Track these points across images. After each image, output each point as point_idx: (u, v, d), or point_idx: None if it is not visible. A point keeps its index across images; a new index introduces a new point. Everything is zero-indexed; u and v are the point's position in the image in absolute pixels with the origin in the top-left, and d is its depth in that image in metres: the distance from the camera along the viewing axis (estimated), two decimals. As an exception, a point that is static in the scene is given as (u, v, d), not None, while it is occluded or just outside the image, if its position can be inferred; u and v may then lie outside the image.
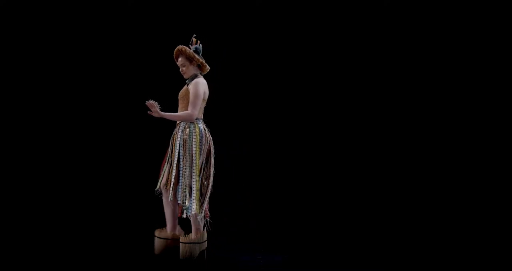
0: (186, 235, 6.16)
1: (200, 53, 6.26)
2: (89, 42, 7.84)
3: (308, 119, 7.94)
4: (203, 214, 6.11)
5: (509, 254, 6.86)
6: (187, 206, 6.00)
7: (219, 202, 7.88)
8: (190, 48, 6.22)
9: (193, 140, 6.06)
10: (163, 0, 7.94)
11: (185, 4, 7.94)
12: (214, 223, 7.79)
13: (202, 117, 6.20)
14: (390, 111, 7.84)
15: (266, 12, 7.95)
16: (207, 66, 6.28)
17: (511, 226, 7.36)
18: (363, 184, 7.80)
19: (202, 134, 6.08)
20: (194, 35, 6.26)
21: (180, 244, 6.11)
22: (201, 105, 6.14)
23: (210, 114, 8.01)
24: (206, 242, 6.20)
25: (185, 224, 6.30)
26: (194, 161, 6.04)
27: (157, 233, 6.21)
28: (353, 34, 7.89)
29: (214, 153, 6.23)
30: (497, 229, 7.36)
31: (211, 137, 6.20)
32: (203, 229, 6.16)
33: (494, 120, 7.63)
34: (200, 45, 6.27)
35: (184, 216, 6.09)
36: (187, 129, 6.06)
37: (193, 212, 5.99)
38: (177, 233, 6.20)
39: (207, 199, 6.09)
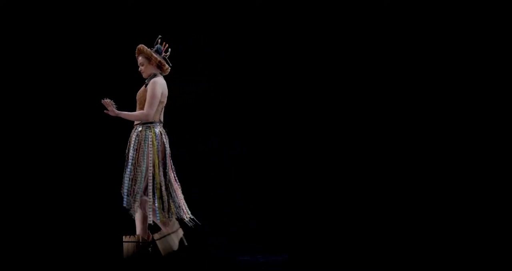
0: (158, 232, 6.08)
1: (162, 54, 6.14)
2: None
3: (308, 119, 7.93)
4: (171, 217, 5.99)
5: (509, 254, 6.86)
6: (149, 211, 5.94)
7: (219, 202, 7.89)
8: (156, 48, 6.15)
9: (148, 143, 5.95)
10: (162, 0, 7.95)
11: (184, 4, 7.94)
12: (214, 223, 7.81)
13: (161, 119, 6.08)
14: (390, 111, 7.83)
15: (266, 12, 7.94)
16: (167, 66, 6.15)
17: (511, 226, 7.36)
18: (363, 183, 7.79)
19: (157, 137, 5.98)
20: (160, 36, 6.19)
21: (156, 242, 6.02)
22: (159, 106, 6.02)
23: (210, 114, 8.03)
24: (180, 228, 6.07)
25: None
26: (150, 165, 5.95)
27: (126, 238, 6.11)
28: (353, 34, 7.88)
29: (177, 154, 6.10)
30: (497, 229, 7.35)
31: (167, 139, 6.07)
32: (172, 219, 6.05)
33: (494, 120, 7.63)
34: (166, 46, 6.17)
35: (152, 222, 5.98)
36: (143, 133, 5.97)
37: (157, 220, 5.92)
38: (146, 237, 6.11)
39: (172, 202, 5.98)
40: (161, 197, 5.88)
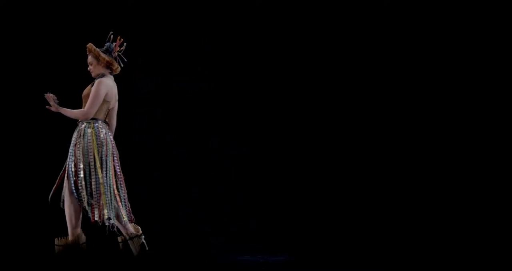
0: (121, 236, 6.04)
1: (114, 52, 6.08)
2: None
3: (308, 119, 7.93)
4: (121, 218, 5.96)
5: (509, 254, 6.86)
6: (90, 213, 5.91)
7: (219, 202, 7.89)
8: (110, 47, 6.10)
9: (87, 142, 5.90)
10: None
11: (184, 4, 7.94)
12: (214, 223, 7.81)
13: (103, 118, 5.97)
14: (391, 111, 7.83)
15: (266, 12, 7.94)
16: (116, 65, 6.02)
17: (511, 226, 7.36)
18: (363, 183, 7.79)
19: (97, 136, 5.95)
20: (111, 32, 6.13)
21: (56, 246, 5.97)
22: (103, 106, 5.92)
23: (210, 114, 8.03)
24: (84, 244, 5.94)
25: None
26: (90, 165, 5.92)
27: (56, 241, 6.08)
28: (353, 34, 7.88)
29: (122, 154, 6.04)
30: (497, 229, 7.36)
31: (110, 138, 5.97)
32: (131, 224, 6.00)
33: (494, 120, 7.63)
34: (121, 41, 6.03)
35: (99, 222, 5.92)
36: (82, 131, 5.95)
37: (98, 219, 5.89)
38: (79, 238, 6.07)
39: (114, 202, 5.94)
40: (103, 196, 5.85)
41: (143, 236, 5.97)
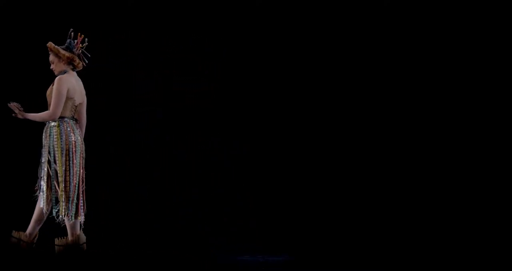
0: (62, 237, 6.03)
1: (76, 48, 6.02)
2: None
3: (308, 119, 7.93)
4: (71, 217, 5.95)
5: (509, 254, 6.86)
6: (51, 209, 5.92)
7: (219, 202, 7.89)
8: (72, 43, 6.09)
9: (54, 141, 5.87)
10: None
11: (185, 4, 7.94)
12: (214, 223, 7.80)
13: (71, 116, 5.98)
14: (391, 111, 7.83)
15: (266, 12, 7.94)
16: (78, 61, 6.03)
17: (511, 226, 7.36)
18: (363, 183, 7.79)
19: (61, 134, 5.95)
20: (71, 29, 6.12)
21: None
22: (68, 103, 5.92)
23: (210, 114, 8.03)
24: (84, 244, 5.95)
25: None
26: (56, 163, 5.93)
27: (56, 241, 6.08)
28: (353, 34, 7.88)
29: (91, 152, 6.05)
30: (497, 229, 7.36)
31: (76, 136, 5.97)
32: (79, 230, 5.97)
33: (494, 120, 7.63)
34: (82, 38, 6.03)
35: (57, 219, 5.94)
36: (48, 130, 5.96)
37: (61, 216, 5.88)
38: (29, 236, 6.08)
39: (76, 200, 5.94)
40: (63, 193, 5.86)
41: (84, 244, 5.97)
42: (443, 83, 7.73)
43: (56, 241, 5.94)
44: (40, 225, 6.01)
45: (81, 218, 5.96)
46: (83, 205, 5.99)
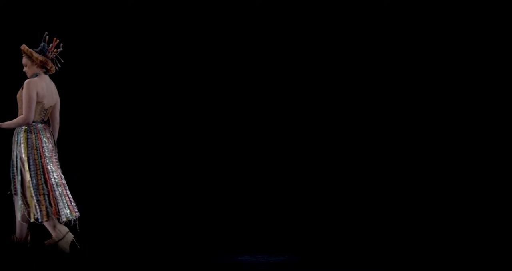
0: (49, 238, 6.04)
1: (49, 52, 6.03)
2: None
3: (308, 119, 7.93)
4: (42, 218, 5.94)
5: (509, 254, 6.86)
6: (26, 213, 5.94)
7: (219, 202, 7.90)
8: (46, 47, 6.08)
9: (21, 146, 5.90)
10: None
11: (185, 4, 7.94)
12: (214, 223, 7.81)
13: (41, 119, 6.00)
14: (391, 111, 7.84)
15: (266, 12, 7.94)
16: (51, 65, 6.06)
17: (511, 226, 7.37)
18: (364, 183, 7.79)
19: (29, 139, 5.95)
20: (46, 33, 6.13)
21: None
22: (37, 107, 5.93)
23: (210, 114, 8.02)
24: (69, 233, 5.94)
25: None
26: (24, 168, 5.94)
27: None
28: (353, 34, 7.88)
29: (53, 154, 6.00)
30: (497, 229, 7.36)
31: (44, 139, 5.96)
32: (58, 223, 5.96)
33: (494, 120, 7.63)
34: (57, 42, 6.04)
35: (33, 220, 5.94)
36: (15, 137, 5.97)
37: (38, 220, 5.89)
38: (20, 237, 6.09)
39: (45, 203, 5.93)
40: (32, 197, 5.87)
41: (71, 236, 5.96)
42: (443, 83, 7.74)
43: (45, 242, 5.97)
44: (27, 224, 6.03)
45: (63, 218, 5.95)
46: (67, 205, 5.98)
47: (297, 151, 7.94)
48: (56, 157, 6.03)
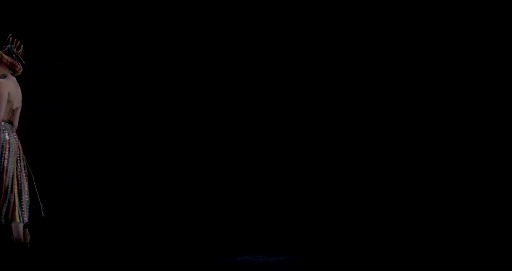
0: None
1: (14, 53, 6.03)
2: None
3: (308, 119, 7.93)
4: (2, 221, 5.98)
5: (509, 254, 6.86)
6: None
7: (219, 202, 7.89)
8: (8, 48, 6.10)
9: None
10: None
11: (185, 4, 7.93)
12: (214, 223, 7.80)
13: (8, 119, 6.01)
14: (392, 111, 7.84)
15: (266, 12, 7.94)
16: (19, 67, 6.08)
17: (511, 226, 7.36)
18: (364, 183, 7.79)
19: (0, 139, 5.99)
20: (10, 34, 6.14)
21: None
22: (7, 107, 5.94)
23: (210, 114, 8.02)
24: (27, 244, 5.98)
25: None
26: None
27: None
28: (353, 34, 7.88)
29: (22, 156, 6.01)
30: (497, 229, 7.36)
31: (13, 139, 5.96)
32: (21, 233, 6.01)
33: (494, 120, 7.63)
34: (18, 44, 6.03)
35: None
36: None
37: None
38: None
39: (6, 204, 5.96)
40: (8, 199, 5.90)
41: (27, 245, 5.99)
42: (443, 83, 7.74)
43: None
44: (20, 225, 6.03)
45: (20, 220, 5.97)
46: (23, 207, 6.00)
47: (297, 151, 7.94)
48: (22, 157, 6.02)
